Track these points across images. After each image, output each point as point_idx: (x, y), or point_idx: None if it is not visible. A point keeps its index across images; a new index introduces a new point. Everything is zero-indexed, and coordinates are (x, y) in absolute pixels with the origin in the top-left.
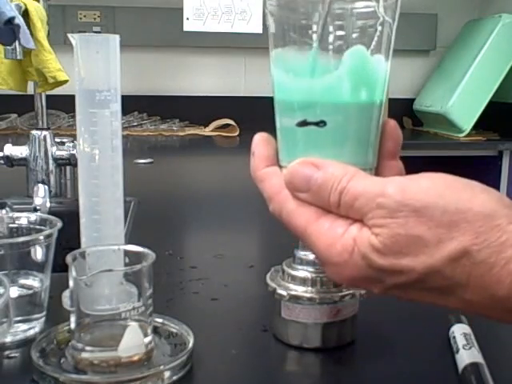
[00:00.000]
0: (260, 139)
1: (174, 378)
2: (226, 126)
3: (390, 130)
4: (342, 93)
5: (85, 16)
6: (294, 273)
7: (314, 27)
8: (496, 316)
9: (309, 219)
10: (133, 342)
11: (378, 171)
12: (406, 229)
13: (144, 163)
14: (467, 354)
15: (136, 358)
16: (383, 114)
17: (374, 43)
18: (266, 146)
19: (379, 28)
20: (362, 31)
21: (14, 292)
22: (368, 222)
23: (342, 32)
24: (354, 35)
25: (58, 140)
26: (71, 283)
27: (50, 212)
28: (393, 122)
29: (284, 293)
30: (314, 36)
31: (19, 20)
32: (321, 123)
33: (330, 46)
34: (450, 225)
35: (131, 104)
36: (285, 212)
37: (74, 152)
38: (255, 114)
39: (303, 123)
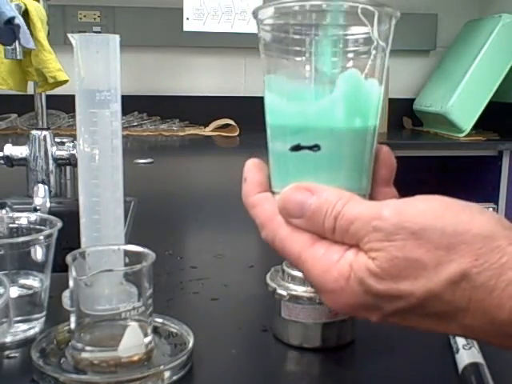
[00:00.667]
0: (252, 165)
1: (174, 377)
2: (226, 126)
3: (384, 157)
4: (336, 117)
5: (85, 16)
6: (294, 273)
7: (307, 52)
8: (497, 342)
9: (303, 245)
10: (133, 342)
11: (371, 197)
12: (403, 252)
13: (144, 163)
14: (467, 354)
15: (136, 358)
16: (376, 139)
17: (368, 67)
18: (259, 172)
19: (373, 52)
20: (356, 55)
21: (14, 292)
22: (364, 247)
23: (336, 57)
24: (348, 59)
25: (58, 140)
26: (71, 283)
27: (50, 212)
28: (386, 149)
29: (284, 293)
30: (307, 61)
31: (19, 20)
32: (315, 147)
33: (324, 71)
34: (448, 247)
35: (131, 104)
36: (278, 239)
37: (74, 152)
38: (255, 114)
39: (297, 148)
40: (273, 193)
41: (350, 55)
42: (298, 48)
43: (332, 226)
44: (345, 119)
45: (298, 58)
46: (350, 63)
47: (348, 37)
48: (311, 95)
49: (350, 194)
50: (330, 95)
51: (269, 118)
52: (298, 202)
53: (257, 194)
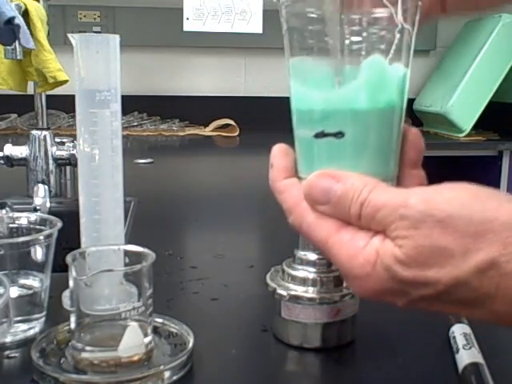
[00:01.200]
0: (278, 150)
1: (174, 377)
2: (226, 126)
3: (413, 139)
4: (359, 102)
5: (85, 16)
6: (294, 273)
7: (331, 36)
8: None
9: (329, 231)
10: (133, 342)
11: (399, 180)
12: (430, 240)
13: (144, 163)
14: (467, 354)
15: (136, 358)
16: (403, 122)
17: (392, 51)
18: (285, 158)
19: (398, 36)
20: (380, 39)
21: (14, 292)
22: (391, 234)
23: (360, 41)
24: (372, 43)
25: (58, 140)
26: (71, 283)
27: (50, 212)
28: (415, 130)
29: (284, 293)
30: (332, 45)
31: (19, 20)
32: (339, 134)
33: (348, 56)
34: (476, 235)
35: (131, 104)
36: (305, 224)
37: (74, 152)
38: (255, 114)
39: (321, 135)
40: (299, 178)
41: (374, 39)
42: (321, 30)
43: (358, 213)
44: (367, 106)
45: (321, 44)
46: (375, 47)
47: (372, 19)
48: (334, 82)
49: (376, 181)
50: (354, 81)
51: (293, 105)
52: (324, 189)
53: (283, 179)
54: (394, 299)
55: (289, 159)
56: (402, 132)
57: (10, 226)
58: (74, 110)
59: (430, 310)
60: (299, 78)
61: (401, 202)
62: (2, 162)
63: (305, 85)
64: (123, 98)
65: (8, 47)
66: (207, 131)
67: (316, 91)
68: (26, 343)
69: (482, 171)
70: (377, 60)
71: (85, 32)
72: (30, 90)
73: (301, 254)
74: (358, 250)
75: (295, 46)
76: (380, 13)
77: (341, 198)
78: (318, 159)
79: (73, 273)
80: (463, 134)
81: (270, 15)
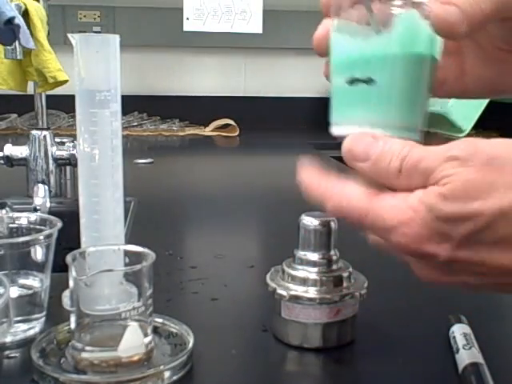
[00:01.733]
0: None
1: (174, 377)
2: (226, 125)
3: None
4: (390, 51)
5: (85, 16)
6: (294, 273)
7: None
8: None
9: (369, 195)
10: (133, 342)
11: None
12: (477, 175)
13: (144, 163)
14: (467, 354)
15: (136, 358)
16: (434, 73)
17: (425, 7)
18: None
19: None
20: None
21: (14, 292)
22: (437, 176)
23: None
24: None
25: (58, 140)
26: (71, 283)
27: (50, 212)
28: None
29: (284, 293)
30: (369, 1)
31: (19, 20)
32: (370, 81)
33: (385, 11)
34: None
35: (131, 104)
36: (344, 199)
37: (74, 152)
38: (255, 114)
39: (353, 81)
40: (332, 125)
41: None
42: None
43: (398, 168)
44: (397, 52)
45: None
46: (409, 5)
47: None
48: (369, 32)
49: (414, 143)
50: (387, 32)
51: (330, 54)
52: (365, 146)
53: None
54: (437, 247)
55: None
56: (431, 87)
57: (10, 226)
58: (74, 110)
59: (475, 262)
60: (339, 30)
61: (445, 149)
62: (1, 161)
63: (343, 35)
64: (123, 98)
65: (8, 47)
66: (207, 131)
67: (351, 40)
68: (26, 343)
69: None
70: (411, 13)
71: (85, 32)
72: (30, 90)
73: (301, 253)
74: (401, 200)
75: (337, 6)
76: None
77: (381, 155)
78: (349, 106)
79: (73, 273)
80: (463, 134)
81: (270, 15)
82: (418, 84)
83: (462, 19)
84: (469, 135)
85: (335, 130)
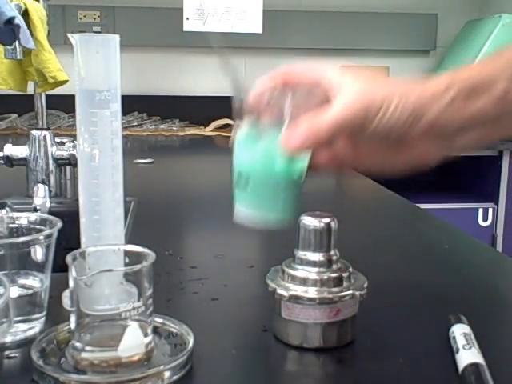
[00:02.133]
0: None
1: (174, 377)
2: (226, 126)
3: None
4: (256, 164)
5: (85, 16)
6: (294, 273)
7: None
8: None
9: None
10: (133, 341)
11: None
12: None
13: (144, 163)
14: (467, 354)
15: (136, 358)
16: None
17: (285, 125)
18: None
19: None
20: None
21: (14, 292)
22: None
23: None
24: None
25: (58, 140)
26: (71, 283)
27: (50, 212)
28: None
29: (284, 293)
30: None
31: (19, 20)
32: (247, 183)
33: (255, 129)
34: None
35: (131, 104)
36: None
37: (74, 152)
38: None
39: (238, 180)
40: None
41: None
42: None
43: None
44: (261, 169)
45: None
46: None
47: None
48: (246, 145)
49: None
50: (256, 146)
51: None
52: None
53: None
54: None
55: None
56: (297, 188)
57: (10, 226)
58: (74, 110)
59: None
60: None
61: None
62: (1, 161)
63: (237, 145)
64: (123, 98)
65: (8, 47)
66: (207, 131)
67: (236, 149)
68: (26, 343)
69: (482, 171)
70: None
71: (85, 32)
72: (30, 90)
73: (301, 253)
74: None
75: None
76: None
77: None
78: (237, 197)
79: (73, 273)
80: None
81: (270, 15)
82: (279, 188)
83: (303, 141)
84: None
85: (236, 216)
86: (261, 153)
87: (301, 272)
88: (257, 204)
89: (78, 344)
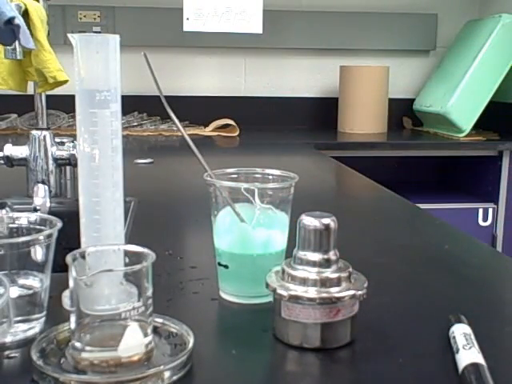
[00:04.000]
0: None
1: (174, 377)
2: (226, 126)
3: None
4: (234, 246)
5: (85, 16)
6: (294, 273)
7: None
8: None
9: None
10: (133, 341)
11: None
12: None
13: (144, 163)
14: (467, 354)
15: (136, 358)
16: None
17: (254, 221)
18: None
19: (258, 212)
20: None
21: (14, 292)
22: None
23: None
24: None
25: (58, 140)
26: (71, 283)
27: (50, 212)
28: None
29: (284, 293)
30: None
31: (19, 20)
32: (226, 266)
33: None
34: None
35: (131, 104)
36: None
37: (74, 152)
38: (255, 114)
39: (219, 264)
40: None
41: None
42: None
43: None
44: (237, 252)
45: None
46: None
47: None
48: (223, 231)
49: None
50: (232, 233)
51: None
52: None
53: None
54: None
55: None
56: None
57: (10, 226)
58: (74, 110)
59: None
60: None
61: None
62: (1, 162)
63: (217, 226)
64: (123, 98)
65: (8, 47)
66: (207, 131)
67: (217, 232)
68: (26, 343)
69: (482, 171)
70: (244, 225)
71: (85, 32)
72: (30, 90)
73: (301, 253)
74: None
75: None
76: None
77: None
78: (221, 278)
79: (73, 273)
80: (463, 134)
81: (270, 15)
82: (255, 270)
83: None
84: (469, 135)
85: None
86: (235, 238)
87: (301, 272)
88: (238, 283)
89: (77, 344)
